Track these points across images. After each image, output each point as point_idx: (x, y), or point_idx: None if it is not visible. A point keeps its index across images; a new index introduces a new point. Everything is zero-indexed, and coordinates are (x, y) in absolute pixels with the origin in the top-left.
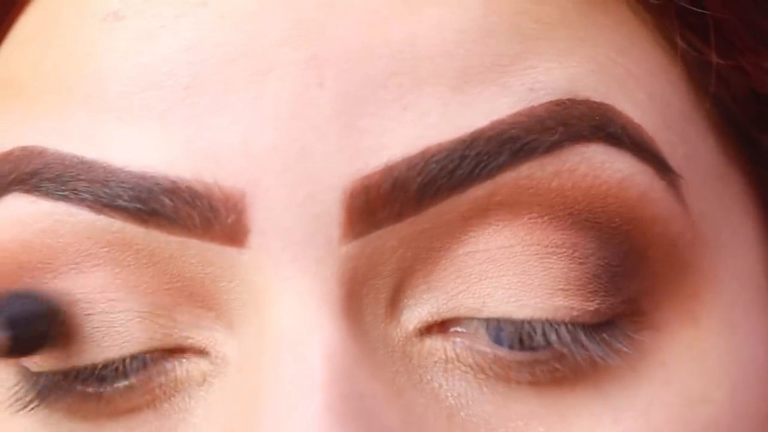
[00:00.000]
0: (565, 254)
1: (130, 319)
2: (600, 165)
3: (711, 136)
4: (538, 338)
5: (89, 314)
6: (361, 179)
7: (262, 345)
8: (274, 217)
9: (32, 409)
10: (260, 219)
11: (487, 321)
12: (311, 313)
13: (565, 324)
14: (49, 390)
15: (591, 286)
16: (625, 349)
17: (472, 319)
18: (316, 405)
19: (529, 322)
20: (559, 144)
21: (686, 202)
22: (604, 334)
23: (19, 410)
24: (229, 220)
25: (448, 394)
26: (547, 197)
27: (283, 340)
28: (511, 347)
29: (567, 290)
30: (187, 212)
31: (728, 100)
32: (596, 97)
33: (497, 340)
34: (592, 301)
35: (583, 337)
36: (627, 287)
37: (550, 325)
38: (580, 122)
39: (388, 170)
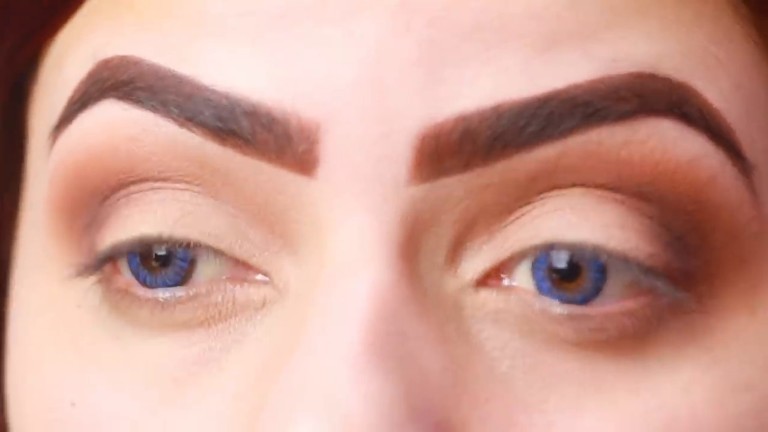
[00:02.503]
0: (626, 207)
1: (211, 213)
2: (671, 141)
3: None
4: (588, 264)
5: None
6: (434, 126)
7: (318, 275)
8: (345, 151)
9: (87, 279)
10: (331, 151)
11: (536, 260)
12: (368, 248)
13: (617, 254)
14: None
15: (650, 233)
16: (671, 316)
17: (522, 258)
18: (355, 339)
19: (581, 246)
20: (631, 114)
21: (758, 193)
22: (659, 283)
23: (73, 277)
24: (301, 149)
25: (494, 345)
26: (615, 166)
27: (336, 272)
28: (560, 281)
29: (623, 228)
30: (263, 136)
31: None
32: (679, 77)
33: (545, 280)
34: (650, 244)
35: (637, 272)
36: (686, 261)
37: (603, 249)
38: (656, 96)
39: (461, 120)
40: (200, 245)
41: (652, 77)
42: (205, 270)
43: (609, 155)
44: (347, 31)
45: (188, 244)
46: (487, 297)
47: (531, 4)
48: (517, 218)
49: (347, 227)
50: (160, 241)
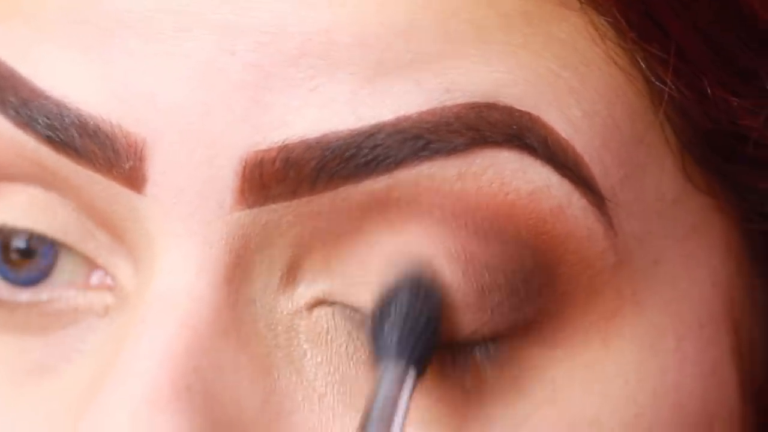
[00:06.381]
0: (458, 266)
1: (59, 208)
2: (510, 173)
3: (669, 161)
4: None
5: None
6: (257, 152)
7: (143, 297)
8: (170, 172)
9: None
10: (157, 171)
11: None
12: (190, 277)
13: None
14: None
15: (476, 304)
16: (494, 365)
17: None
18: (159, 376)
19: None
20: (464, 147)
21: (614, 224)
22: (478, 353)
23: None
24: (127, 166)
25: (328, 369)
26: (449, 200)
27: (155, 300)
28: None
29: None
30: (92, 149)
31: (688, 127)
32: (521, 106)
33: None
34: (469, 323)
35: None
36: (522, 308)
37: None
38: (493, 128)
39: (284, 149)
40: (46, 238)
41: (490, 107)
42: (60, 269)
43: (442, 189)
44: (172, 50)
45: (31, 236)
46: (318, 315)
47: (361, 32)
48: (360, 262)
49: (171, 252)
50: (2, 230)
